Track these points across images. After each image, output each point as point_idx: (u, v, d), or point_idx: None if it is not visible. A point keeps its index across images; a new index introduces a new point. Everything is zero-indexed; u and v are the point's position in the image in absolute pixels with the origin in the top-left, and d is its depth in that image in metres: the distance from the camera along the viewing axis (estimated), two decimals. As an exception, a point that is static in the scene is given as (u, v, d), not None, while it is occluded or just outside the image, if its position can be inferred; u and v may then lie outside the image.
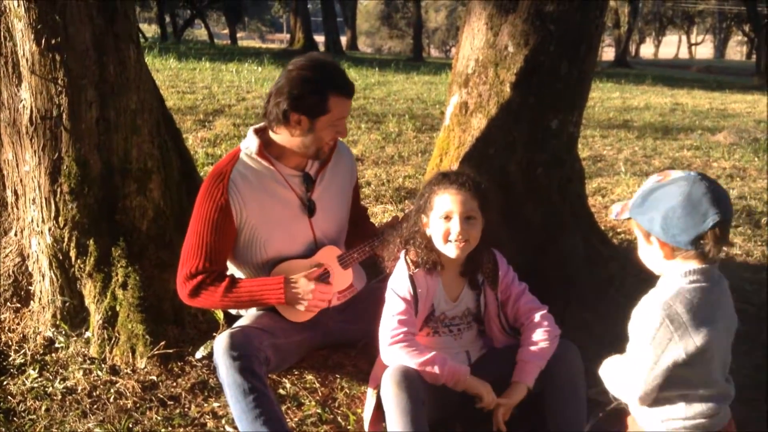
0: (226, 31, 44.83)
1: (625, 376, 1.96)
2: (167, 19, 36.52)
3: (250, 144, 2.59)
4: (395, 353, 2.29)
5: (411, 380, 2.20)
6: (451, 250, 2.37)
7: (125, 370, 2.83)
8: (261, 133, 2.61)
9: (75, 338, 2.96)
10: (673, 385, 1.88)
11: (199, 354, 2.86)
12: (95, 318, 2.93)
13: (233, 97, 9.85)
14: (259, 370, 2.34)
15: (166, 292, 2.96)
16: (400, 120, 8.70)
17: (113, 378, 2.78)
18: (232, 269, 2.70)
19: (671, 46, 68.22)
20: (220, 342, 2.36)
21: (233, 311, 2.78)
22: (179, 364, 2.86)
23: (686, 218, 1.75)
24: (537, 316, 2.47)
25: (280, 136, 2.55)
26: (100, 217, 2.93)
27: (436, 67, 18.57)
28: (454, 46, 54.40)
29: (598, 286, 3.44)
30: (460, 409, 2.38)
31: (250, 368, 2.31)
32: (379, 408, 2.39)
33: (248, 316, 2.64)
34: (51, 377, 2.79)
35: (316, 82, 2.44)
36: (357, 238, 2.87)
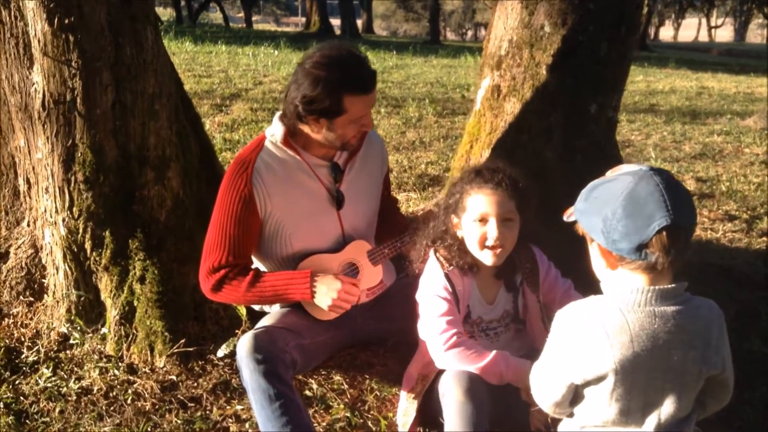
0: (241, 14, 44.60)
1: (538, 380, 1.76)
2: (182, 2, 36.34)
3: (275, 131, 2.42)
4: (453, 358, 2.14)
5: (477, 388, 2.07)
6: (486, 257, 2.21)
7: (143, 369, 2.69)
8: (287, 119, 2.44)
9: (90, 335, 2.82)
10: (580, 404, 1.67)
11: (221, 352, 2.71)
12: (112, 313, 2.79)
13: (250, 81, 9.69)
14: (286, 373, 2.20)
15: (186, 287, 2.82)
16: (420, 104, 8.51)
17: (131, 378, 2.64)
18: (256, 263, 2.55)
19: (691, 29, 67.23)
20: (244, 344, 2.21)
21: (257, 307, 2.62)
22: (200, 363, 2.72)
23: (627, 221, 1.47)
24: None
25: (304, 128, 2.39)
26: (117, 207, 2.78)
27: (454, 50, 18.25)
28: (470, 29, 53.88)
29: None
30: (504, 413, 2.22)
31: (276, 372, 2.16)
32: (420, 413, 2.25)
33: (272, 314, 2.49)
34: (65, 376, 2.65)
35: (329, 83, 2.23)
36: (387, 232, 2.71)
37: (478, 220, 2.18)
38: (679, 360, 1.54)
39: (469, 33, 54.79)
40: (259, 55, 12.94)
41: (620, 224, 1.48)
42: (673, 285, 1.54)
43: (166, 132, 2.84)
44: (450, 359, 2.15)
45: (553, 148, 3.29)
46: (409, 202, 4.75)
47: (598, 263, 1.63)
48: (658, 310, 1.52)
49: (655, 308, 1.52)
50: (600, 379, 1.55)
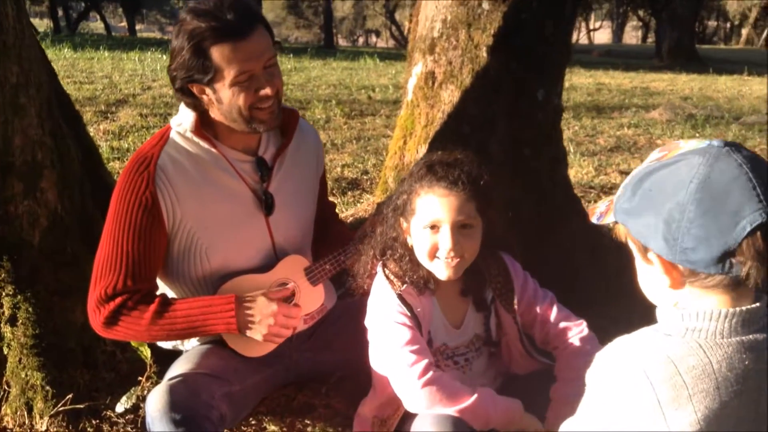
0: (123, 23, 42.85)
1: None
2: (60, 12, 34.43)
3: (183, 119, 1.91)
4: (430, 397, 1.70)
5: None
6: (440, 270, 1.79)
7: (19, 436, 2.11)
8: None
9: (-53, 395, 2.21)
10: None
11: (120, 407, 2.17)
12: (-26, 366, 2.20)
13: (137, 86, 8.96)
14: None
15: (71, 326, 2.28)
16: (327, 106, 8.08)
17: (2, 448, 2.06)
18: (164, 288, 2.02)
19: (572, 33, 69.90)
20: (156, 400, 1.69)
21: (167, 345, 2.08)
22: (94, 422, 2.18)
23: (705, 221, 1.06)
24: (576, 339, 1.91)
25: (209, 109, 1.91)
26: (-26, 230, 2.20)
27: (351, 54, 17.89)
28: (361, 35, 53.80)
29: (606, 282, 2.92)
30: None
31: None
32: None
33: (188, 355, 1.96)
34: None
35: (191, 35, 1.75)
36: (326, 244, 2.24)
37: (429, 227, 1.76)
38: None
39: (360, 39, 54.85)
40: (146, 60, 12.09)
41: (694, 226, 1.06)
42: (757, 304, 1.13)
43: (36, 131, 2.27)
44: (426, 398, 1.71)
45: (498, 140, 2.93)
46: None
47: (655, 282, 1.18)
48: (747, 339, 1.10)
49: (743, 338, 1.10)
50: None
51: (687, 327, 1.12)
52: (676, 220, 1.07)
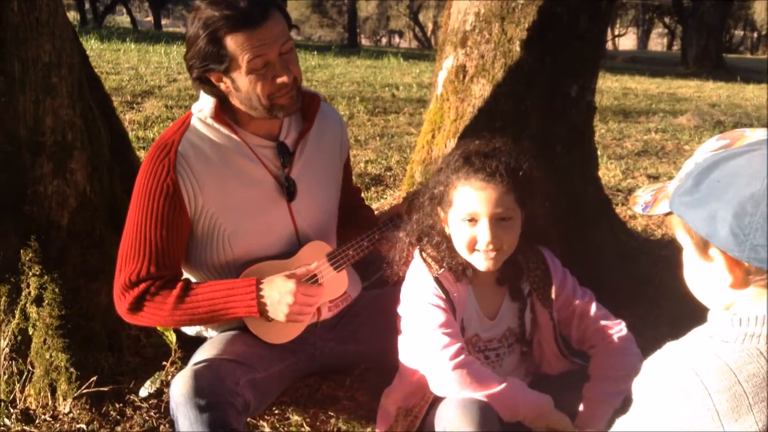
0: (149, 18, 43.18)
1: None
2: (86, 5, 34.77)
3: (203, 105, 1.89)
4: (460, 380, 1.67)
5: (491, 422, 1.64)
6: (479, 262, 1.77)
7: (43, 417, 2.12)
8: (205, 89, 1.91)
9: (-29, 374, 2.21)
10: None
11: (144, 391, 2.13)
12: (0, 345, 2.19)
13: (163, 78, 8.99)
14: (237, 422, 1.69)
15: (97, 308, 2.27)
16: (350, 102, 8.06)
17: (26, 428, 2.07)
18: (187, 276, 2.00)
19: (596, 38, 69.49)
20: (180, 384, 1.67)
21: (190, 331, 2.07)
22: (117, 405, 2.16)
23: None
24: (615, 338, 1.86)
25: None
26: (3, 208, 2.20)
27: (375, 53, 17.88)
28: (384, 36, 53.80)
29: (633, 285, 2.87)
30: None
31: (225, 422, 1.66)
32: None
33: (212, 341, 1.94)
34: (-64, 431, 2.04)
35: (205, 24, 1.74)
36: (351, 230, 2.21)
37: (467, 220, 1.72)
38: None
39: (384, 40, 54.84)
40: (171, 53, 12.13)
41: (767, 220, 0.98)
42: None
43: (67, 112, 2.26)
44: (456, 381, 1.68)
45: (530, 135, 2.88)
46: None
47: (713, 280, 1.10)
48: None
49: None
50: None
51: (746, 333, 1.04)
52: (749, 214, 0.99)
